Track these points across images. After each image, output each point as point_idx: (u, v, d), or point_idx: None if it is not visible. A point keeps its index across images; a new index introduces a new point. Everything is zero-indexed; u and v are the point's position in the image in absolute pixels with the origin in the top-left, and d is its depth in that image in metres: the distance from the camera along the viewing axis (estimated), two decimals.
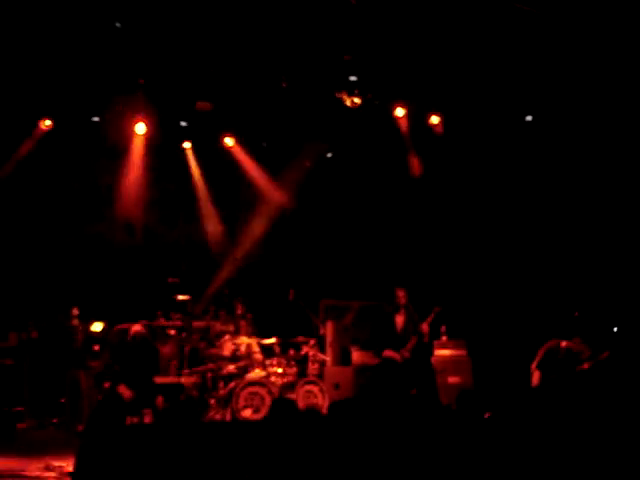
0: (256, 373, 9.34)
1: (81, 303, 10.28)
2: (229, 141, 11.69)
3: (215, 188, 12.10)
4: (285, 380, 9.49)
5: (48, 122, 10.56)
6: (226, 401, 9.03)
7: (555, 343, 8.88)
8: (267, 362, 9.56)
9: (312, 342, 10.06)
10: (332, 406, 5.94)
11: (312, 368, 9.91)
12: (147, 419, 7.78)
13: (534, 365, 8.85)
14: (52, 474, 6.86)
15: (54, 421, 9.60)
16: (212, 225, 12.04)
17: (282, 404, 5.80)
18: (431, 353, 10.41)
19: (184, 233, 11.94)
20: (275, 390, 9.04)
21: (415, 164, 11.51)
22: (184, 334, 9.99)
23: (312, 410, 8.52)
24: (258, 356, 9.65)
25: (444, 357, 10.56)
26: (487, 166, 11.40)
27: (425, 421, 5.71)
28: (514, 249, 11.35)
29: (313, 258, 12.02)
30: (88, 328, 9.93)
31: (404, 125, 11.14)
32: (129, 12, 8.72)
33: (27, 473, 6.86)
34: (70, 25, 8.79)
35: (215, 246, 11.85)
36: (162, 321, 10.20)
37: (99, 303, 10.54)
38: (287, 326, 10.43)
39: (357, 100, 10.01)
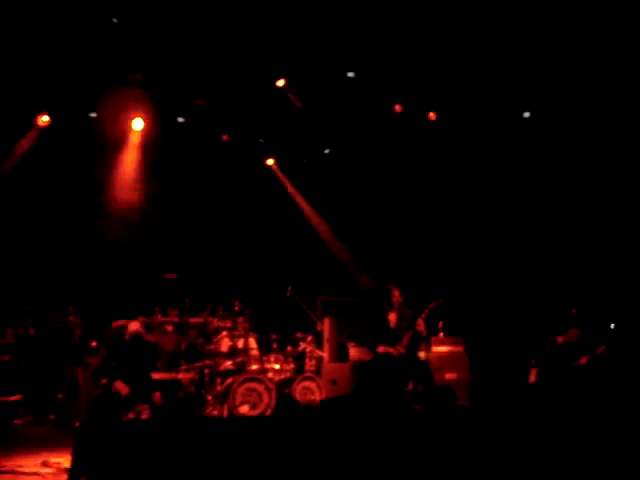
0: (253, 369, 9.36)
1: (78, 299, 10.28)
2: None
3: None
4: (282, 376, 9.50)
5: (45, 118, 10.54)
6: (223, 397, 9.03)
7: (552, 339, 8.89)
8: (264, 358, 9.57)
9: (309, 338, 10.08)
10: (324, 403, 5.95)
11: (309, 364, 9.92)
12: (144, 415, 7.77)
13: (532, 362, 8.86)
14: (49, 470, 6.86)
15: (51, 417, 9.60)
16: None
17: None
18: (428, 349, 10.42)
19: (182, 229, 11.95)
20: (272, 387, 9.04)
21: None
22: (181, 330, 9.99)
23: (310, 407, 8.55)
24: (255, 352, 9.66)
25: (441, 353, 10.55)
26: (485, 162, 11.40)
27: (422, 418, 5.72)
28: (511, 245, 11.35)
29: (310, 254, 12.02)
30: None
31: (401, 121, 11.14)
32: (125, 7, 8.72)
33: (24, 469, 6.85)
34: (68, 20, 8.77)
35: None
36: (159, 317, 10.21)
37: (96, 299, 10.55)
38: (284, 322, 10.44)
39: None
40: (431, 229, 11.90)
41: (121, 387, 7.40)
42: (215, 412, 8.97)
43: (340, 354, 10.90)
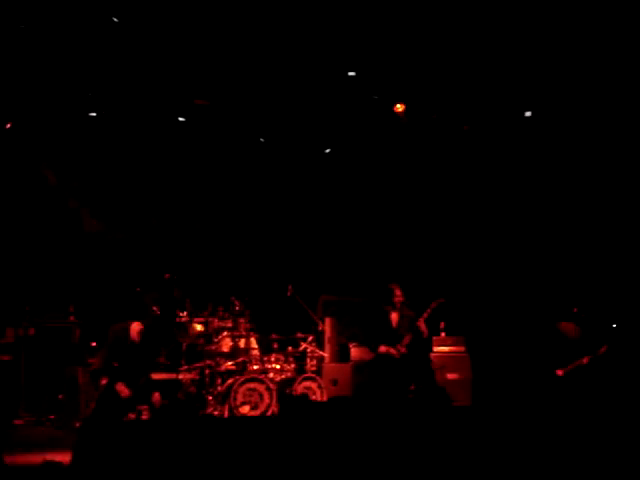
0: (254, 369, 9.34)
1: (78, 300, 10.26)
2: None
3: None
4: (283, 376, 9.48)
5: None
6: (224, 397, 9.01)
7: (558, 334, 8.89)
8: (265, 358, 9.54)
9: (310, 338, 10.06)
10: (330, 402, 5.93)
11: (310, 364, 9.90)
12: (145, 416, 7.75)
13: (531, 360, 8.84)
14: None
15: (51, 418, 9.58)
16: None
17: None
18: (430, 349, 10.41)
19: (181, 229, 11.93)
20: (273, 387, 9.02)
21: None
22: (182, 330, 9.96)
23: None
24: (256, 352, 9.64)
25: (443, 353, 10.55)
26: (486, 162, 11.38)
27: (423, 418, 5.70)
28: (513, 245, 11.33)
29: (311, 254, 12.00)
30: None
31: (403, 120, 11.11)
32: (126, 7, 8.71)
33: (24, 469, 6.82)
34: (67, 21, 8.77)
35: None
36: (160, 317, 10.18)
37: (96, 299, 10.53)
38: (285, 322, 10.41)
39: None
40: (432, 229, 11.87)
41: (121, 389, 7.38)
42: (216, 412, 8.96)
43: (341, 354, 10.88)
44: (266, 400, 8.90)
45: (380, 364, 8.95)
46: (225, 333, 9.69)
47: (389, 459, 5.10)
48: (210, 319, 9.95)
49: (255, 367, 9.38)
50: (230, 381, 9.10)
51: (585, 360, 8.62)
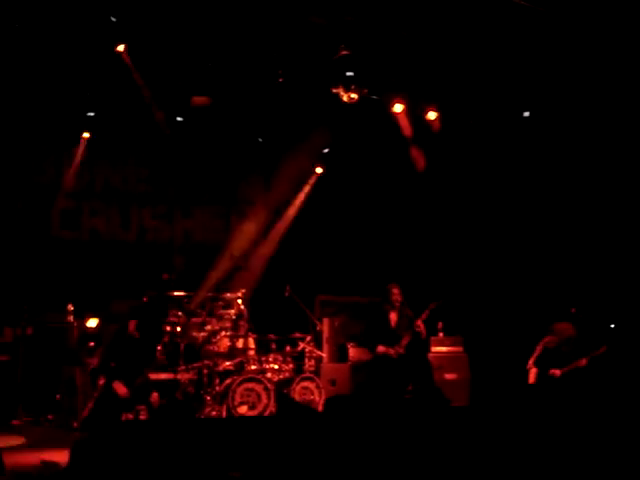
0: (252, 369, 9.33)
1: (76, 299, 10.25)
2: None
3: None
4: (281, 376, 9.48)
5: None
6: (222, 398, 9.01)
7: (551, 339, 8.88)
8: (263, 358, 9.54)
9: (308, 338, 10.05)
10: (328, 402, 5.93)
11: (308, 364, 9.90)
12: (143, 415, 7.76)
13: (531, 362, 8.84)
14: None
15: (49, 418, 9.57)
16: None
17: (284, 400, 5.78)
18: (427, 349, 10.42)
19: (179, 229, 11.94)
20: (271, 387, 9.02)
21: (419, 158, 11.47)
22: (180, 330, 9.95)
23: (308, 407, 8.52)
24: (254, 352, 9.63)
25: (441, 353, 10.56)
26: (484, 162, 11.39)
27: (421, 417, 5.70)
28: (511, 245, 11.33)
29: (309, 254, 12.00)
30: (83, 324, 9.91)
31: (403, 121, 11.11)
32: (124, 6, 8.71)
33: (22, 469, 6.81)
34: (65, 20, 8.76)
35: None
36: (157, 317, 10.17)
37: (94, 299, 10.52)
38: (283, 322, 10.41)
39: (354, 95, 9.99)
40: (431, 229, 11.88)
41: (119, 388, 7.39)
42: (214, 412, 8.95)
43: (339, 354, 10.88)
44: (264, 400, 8.89)
45: (378, 364, 8.95)
46: (223, 333, 9.69)
47: (387, 459, 5.10)
48: (208, 319, 9.96)
49: (253, 367, 9.37)
50: (228, 381, 9.10)
51: (584, 361, 8.61)
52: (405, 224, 11.97)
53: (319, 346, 10.49)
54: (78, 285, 10.77)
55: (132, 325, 7.96)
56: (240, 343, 9.60)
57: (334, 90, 9.96)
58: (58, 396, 9.57)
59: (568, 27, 8.94)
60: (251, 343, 9.73)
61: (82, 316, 10.12)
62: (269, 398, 8.90)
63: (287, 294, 10.28)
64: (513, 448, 5.27)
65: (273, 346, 9.90)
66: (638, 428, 5.44)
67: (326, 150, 12.12)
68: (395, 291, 9.14)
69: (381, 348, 8.93)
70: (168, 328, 9.68)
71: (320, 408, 9.04)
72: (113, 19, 8.66)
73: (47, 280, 10.77)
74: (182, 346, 9.72)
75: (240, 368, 9.34)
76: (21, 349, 9.87)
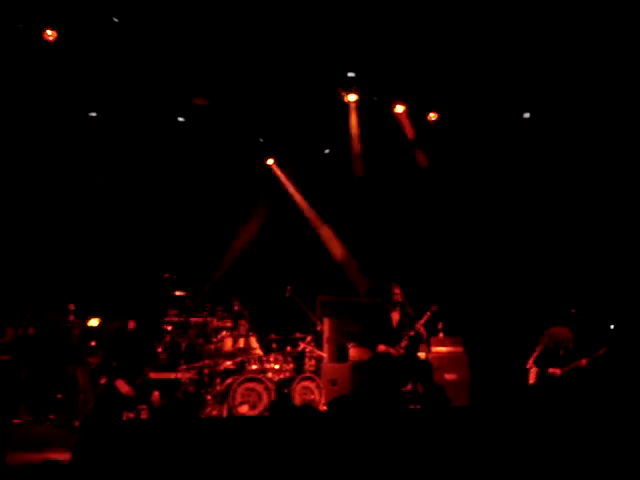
0: (253, 369, 9.36)
1: (77, 299, 10.27)
2: None
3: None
4: (282, 376, 9.50)
5: None
6: (223, 397, 9.03)
7: (551, 340, 8.89)
8: (264, 358, 9.56)
9: (309, 338, 10.08)
10: (331, 403, 5.95)
11: (309, 364, 9.92)
12: (144, 415, 7.77)
13: (531, 361, 8.85)
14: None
15: (51, 417, 9.59)
16: None
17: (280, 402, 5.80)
18: (428, 350, 10.43)
19: (181, 228, 11.94)
20: (272, 386, 9.04)
21: (420, 157, 11.50)
22: (181, 330, 9.98)
23: (308, 407, 8.53)
24: (255, 352, 9.66)
25: (441, 354, 10.57)
26: (484, 163, 11.40)
27: (421, 418, 5.71)
28: (511, 246, 11.35)
29: (310, 254, 12.02)
30: (85, 324, 9.93)
31: (403, 121, 11.13)
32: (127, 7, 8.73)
33: (24, 469, 6.83)
34: (68, 21, 8.79)
35: None
36: (159, 317, 10.19)
37: (95, 299, 10.54)
38: (284, 322, 10.43)
39: (354, 96, 10.02)
40: (431, 230, 11.89)
41: (122, 387, 7.40)
42: (215, 412, 8.97)
43: (340, 354, 10.90)
44: (265, 400, 8.91)
45: (378, 364, 8.96)
46: (224, 333, 9.71)
47: (387, 459, 5.11)
48: (209, 318, 9.98)
49: (254, 367, 9.40)
50: (229, 381, 9.12)
51: (584, 361, 8.63)
52: (405, 224, 11.98)
53: (319, 346, 10.51)
54: (78, 285, 10.80)
55: (131, 324, 7.98)
56: (242, 343, 9.63)
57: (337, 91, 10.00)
58: (59, 395, 9.60)
59: (568, 27, 8.96)
60: (254, 342, 9.76)
61: (84, 316, 10.14)
62: (270, 398, 8.92)
63: (288, 294, 10.30)
64: (513, 448, 5.28)
65: (274, 346, 9.93)
66: (638, 428, 5.46)
67: (327, 151, 12.14)
68: (396, 290, 9.16)
69: (382, 347, 8.95)
70: (169, 328, 9.70)
71: (321, 408, 9.06)
72: (115, 20, 8.67)
73: (48, 279, 10.78)
74: (183, 346, 9.75)
75: (241, 368, 9.37)
76: (23, 349, 9.89)
